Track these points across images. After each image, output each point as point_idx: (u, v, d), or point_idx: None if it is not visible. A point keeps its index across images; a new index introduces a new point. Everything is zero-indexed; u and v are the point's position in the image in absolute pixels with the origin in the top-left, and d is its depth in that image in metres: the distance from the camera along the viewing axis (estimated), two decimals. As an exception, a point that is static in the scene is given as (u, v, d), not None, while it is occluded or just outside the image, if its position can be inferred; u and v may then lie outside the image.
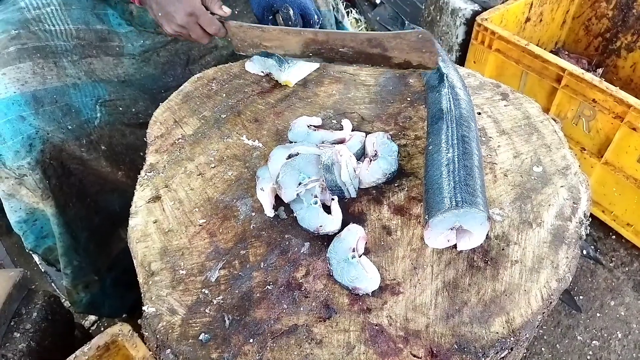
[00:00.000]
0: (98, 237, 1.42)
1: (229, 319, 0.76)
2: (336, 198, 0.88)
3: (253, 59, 1.18)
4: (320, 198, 0.88)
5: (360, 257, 0.81)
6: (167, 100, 1.14)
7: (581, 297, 1.69)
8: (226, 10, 1.13)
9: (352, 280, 0.77)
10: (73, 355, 0.99)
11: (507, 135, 1.02)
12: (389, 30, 2.45)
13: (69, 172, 1.28)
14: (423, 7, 2.11)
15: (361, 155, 0.95)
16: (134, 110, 1.35)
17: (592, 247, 1.83)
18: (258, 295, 0.79)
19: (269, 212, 0.88)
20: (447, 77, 1.01)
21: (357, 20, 2.65)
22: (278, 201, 0.90)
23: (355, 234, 0.82)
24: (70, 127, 1.22)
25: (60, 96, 1.20)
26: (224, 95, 1.15)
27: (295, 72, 1.15)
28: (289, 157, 0.88)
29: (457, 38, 1.99)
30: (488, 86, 1.15)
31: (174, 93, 1.16)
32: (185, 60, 1.45)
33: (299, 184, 0.86)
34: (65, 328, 1.24)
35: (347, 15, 2.64)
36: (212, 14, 1.11)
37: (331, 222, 0.84)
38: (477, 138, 0.92)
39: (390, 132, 1.02)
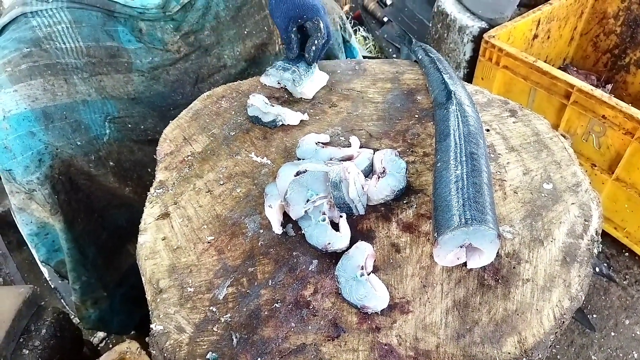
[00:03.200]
0: (106, 252, 1.42)
1: (236, 337, 0.76)
2: (344, 215, 0.88)
3: (269, 72, 1.19)
4: (328, 215, 0.88)
5: (369, 275, 0.80)
6: (177, 118, 1.15)
7: (595, 316, 1.66)
8: None
9: (360, 298, 0.77)
10: (81, 373, 0.99)
11: (517, 152, 1.02)
12: (397, 47, 2.47)
13: (77, 188, 1.29)
14: (430, 25, 2.13)
15: (369, 172, 0.95)
16: (142, 127, 1.36)
17: (605, 264, 1.80)
18: (266, 313, 0.78)
19: (277, 229, 0.88)
20: (454, 94, 1.01)
21: (364, 38, 2.67)
22: (286, 218, 0.90)
23: (363, 252, 0.82)
24: (79, 143, 1.24)
25: (69, 112, 1.22)
26: (233, 112, 1.16)
27: (310, 86, 1.17)
28: (297, 174, 0.88)
29: (464, 55, 2.00)
30: (496, 103, 1.14)
31: (184, 111, 1.17)
32: (195, 79, 1.47)
33: (307, 201, 0.86)
34: (74, 345, 1.24)
35: (355, 33, 2.67)
36: None
37: (339, 239, 0.84)
38: (485, 155, 0.91)
39: (399, 149, 1.02)
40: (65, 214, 1.26)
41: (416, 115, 1.12)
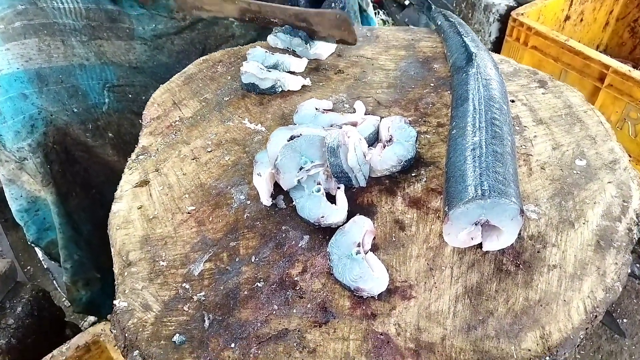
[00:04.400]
0: (102, 231, 1.34)
1: (209, 318, 0.65)
2: (342, 186, 0.77)
3: (278, 35, 1.10)
4: (324, 186, 0.77)
5: (366, 253, 0.69)
6: (168, 82, 1.05)
7: (625, 321, 1.51)
8: None
9: (355, 279, 0.65)
10: (50, 354, 0.90)
11: (545, 125, 0.89)
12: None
13: (73, 160, 1.21)
14: (454, 5, 1.99)
15: (374, 140, 0.84)
16: (144, 98, 1.27)
17: (638, 265, 1.65)
18: (246, 293, 0.68)
19: (265, 200, 0.77)
20: (475, 56, 0.89)
21: (384, 22, 2.55)
22: (277, 189, 0.79)
23: (361, 227, 0.71)
24: (75, 110, 1.16)
25: (66, 76, 1.14)
26: (230, 77, 1.05)
27: (324, 46, 1.09)
28: (291, 138, 0.77)
29: (490, 36, 1.86)
30: (524, 73, 1.02)
31: (177, 75, 1.07)
32: (201, 50, 1.38)
33: (300, 168, 0.75)
34: (54, 326, 1.16)
35: (375, 15, 2.55)
36: None
37: (335, 212, 0.73)
38: (509, 123, 0.79)
39: (410, 118, 0.91)
40: (58, 186, 1.18)
41: (432, 84, 1.00)
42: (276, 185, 0.79)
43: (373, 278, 0.65)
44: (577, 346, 0.65)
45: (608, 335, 1.48)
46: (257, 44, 1.14)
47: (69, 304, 1.41)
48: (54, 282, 1.63)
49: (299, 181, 0.76)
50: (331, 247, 0.69)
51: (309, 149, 0.76)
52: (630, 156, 1.58)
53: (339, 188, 0.76)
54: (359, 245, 0.69)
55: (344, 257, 0.67)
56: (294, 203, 0.76)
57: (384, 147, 0.80)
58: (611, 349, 1.46)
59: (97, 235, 1.32)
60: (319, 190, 0.75)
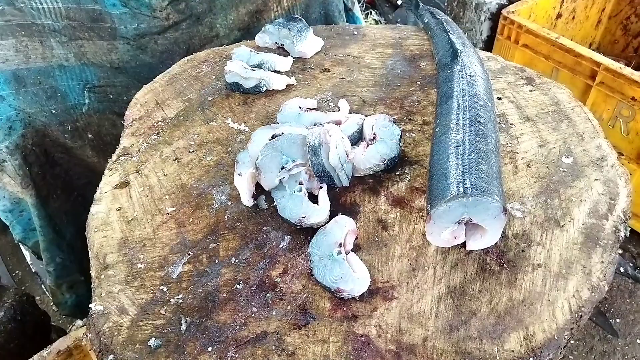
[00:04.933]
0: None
1: (186, 322, 0.64)
2: (325, 186, 0.75)
3: (265, 30, 1.08)
4: (306, 186, 0.75)
5: (347, 254, 0.67)
6: (151, 82, 1.04)
7: (618, 321, 1.50)
8: None
9: (335, 280, 0.64)
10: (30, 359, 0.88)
11: (532, 122, 0.88)
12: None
13: (53, 161, 1.20)
14: (446, 4, 1.98)
15: (358, 139, 0.83)
16: (125, 98, 1.26)
17: (631, 264, 1.63)
18: (224, 295, 0.66)
19: (247, 201, 0.76)
20: (460, 53, 0.88)
21: (376, 22, 2.54)
22: (259, 190, 0.78)
23: (343, 226, 0.69)
24: (54, 112, 1.14)
25: (44, 77, 1.13)
26: (214, 77, 1.04)
27: (309, 45, 1.06)
28: (272, 137, 0.76)
29: (481, 35, 1.85)
30: (511, 70, 1.00)
31: (160, 75, 1.06)
32: (185, 50, 1.36)
33: (282, 168, 0.74)
34: (38, 331, 1.14)
35: (367, 17, 2.53)
36: None
37: (316, 212, 0.71)
38: (494, 120, 0.78)
39: (395, 117, 0.89)
40: (38, 189, 1.17)
41: (418, 82, 0.98)
42: (258, 186, 0.77)
43: (354, 279, 0.64)
44: (564, 347, 0.63)
45: (601, 336, 1.46)
46: (243, 43, 1.13)
47: (55, 306, 1.39)
48: (42, 286, 1.61)
49: (280, 181, 0.75)
50: (312, 248, 0.68)
51: (290, 148, 0.74)
52: (622, 154, 1.57)
53: (321, 187, 0.75)
54: (340, 246, 0.67)
55: (325, 258, 0.66)
56: (275, 203, 0.75)
57: (367, 145, 0.79)
58: (604, 349, 1.44)
59: (81, 238, 1.30)
60: (300, 190, 0.74)
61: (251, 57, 1.00)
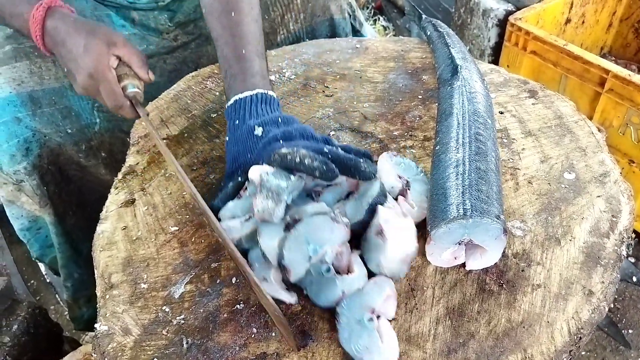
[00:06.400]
0: None
1: (187, 342, 0.65)
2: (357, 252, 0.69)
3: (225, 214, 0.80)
4: (332, 262, 0.66)
5: (378, 318, 0.62)
6: (156, 99, 1.06)
7: (630, 331, 1.48)
8: (151, 77, 0.95)
9: (360, 350, 0.60)
10: (39, 374, 0.90)
11: (534, 137, 0.88)
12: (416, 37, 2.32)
13: (67, 179, 1.22)
14: (453, 10, 1.98)
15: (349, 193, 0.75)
16: None
17: (644, 272, 1.61)
18: (225, 315, 0.67)
19: (289, 298, 0.68)
20: (461, 68, 0.88)
21: (385, 28, 2.54)
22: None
23: (381, 290, 0.63)
24: (69, 131, 1.16)
25: (58, 97, 1.15)
26: (218, 93, 1.05)
27: None
28: (287, 227, 0.67)
29: (489, 41, 1.84)
30: (514, 83, 1.00)
31: (165, 92, 1.07)
32: (194, 69, 1.37)
33: (309, 257, 0.65)
34: (50, 343, 1.16)
35: (375, 23, 2.53)
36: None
37: (353, 280, 0.65)
38: (494, 138, 0.78)
39: (395, 132, 0.90)
40: (55, 207, 1.19)
41: (419, 96, 0.99)
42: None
43: (380, 351, 0.59)
44: (565, 367, 0.63)
45: (613, 347, 1.44)
46: None
47: (70, 320, 1.41)
48: (57, 296, 1.64)
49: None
50: (341, 308, 0.63)
51: (315, 234, 0.66)
52: (633, 161, 1.55)
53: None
54: (373, 312, 0.62)
55: (354, 322, 0.62)
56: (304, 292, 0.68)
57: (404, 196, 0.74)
58: None
59: None
60: (328, 270, 0.65)
61: None
